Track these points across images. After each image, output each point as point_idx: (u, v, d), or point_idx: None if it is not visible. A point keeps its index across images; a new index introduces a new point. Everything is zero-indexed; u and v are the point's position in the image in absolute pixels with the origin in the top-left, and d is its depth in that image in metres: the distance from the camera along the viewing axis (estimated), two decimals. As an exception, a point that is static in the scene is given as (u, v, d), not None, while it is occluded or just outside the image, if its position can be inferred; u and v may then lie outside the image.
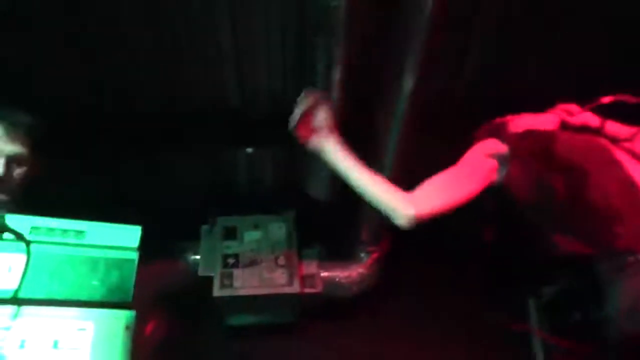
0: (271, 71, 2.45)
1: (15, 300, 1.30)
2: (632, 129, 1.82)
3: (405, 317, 3.13)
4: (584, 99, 1.89)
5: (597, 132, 1.84)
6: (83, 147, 2.55)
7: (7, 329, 1.26)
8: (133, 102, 2.57)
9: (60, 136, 2.26)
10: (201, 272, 2.91)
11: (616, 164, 1.69)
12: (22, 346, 1.25)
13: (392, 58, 2.12)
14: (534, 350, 1.88)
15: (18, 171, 1.87)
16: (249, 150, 2.81)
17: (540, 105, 1.95)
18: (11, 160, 1.85)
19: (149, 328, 2.45)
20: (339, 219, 2.92)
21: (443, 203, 1.63)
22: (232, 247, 2.99)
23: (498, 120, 1.97)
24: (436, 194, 1.65)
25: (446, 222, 1.68)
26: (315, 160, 2.57)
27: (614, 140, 1.81)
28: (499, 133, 1.87)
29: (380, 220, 2.82)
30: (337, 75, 2.22)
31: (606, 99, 1.82)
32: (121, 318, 1.36)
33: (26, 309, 1.30)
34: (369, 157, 2.46)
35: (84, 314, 1.33)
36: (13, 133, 1.87)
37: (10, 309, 1.28)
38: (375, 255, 3.00)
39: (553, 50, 2.46)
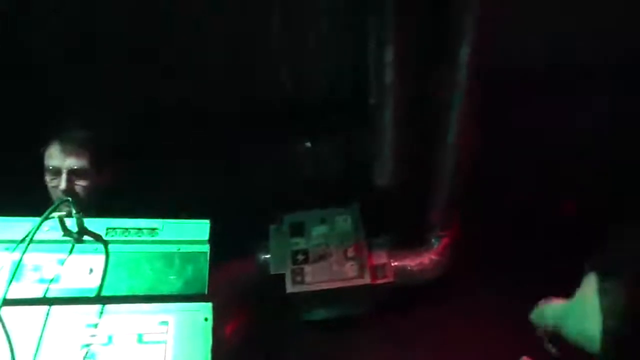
0: (324, 57, 2.43)
1: (99, 299, 1.34)
2: None
3: (481, 306, 2.99)
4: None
5: None
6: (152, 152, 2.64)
7: (95, 326, 1.30)
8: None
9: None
10: (273, 270, 2.92)
11: None
12: (109, 342, 1.29)
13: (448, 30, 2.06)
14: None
15: (81, 183, 1.95)
16: (308, 144, 2.81)
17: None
18: (72, 174, 1.94)
19: (227, 327, 2.49)
20: (406, 205, 2.86)
21: None
22: (301, 243, 2.98)
23: None
24: None
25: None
26: (379, 144, 2.54)
27: None
28: None
29: (449, 203, 2.75)
30: (390, 57, 2.19)
31: None
32: (200, 310, 1.37)
33: (110, 307, 1.34)
34: (432, 137, 2.43)
35: (164, 308, 1.36)
36: (70, 148, 1.95)
37: (95, 307, 1.33)
38: (446, 240, 2.91)
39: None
